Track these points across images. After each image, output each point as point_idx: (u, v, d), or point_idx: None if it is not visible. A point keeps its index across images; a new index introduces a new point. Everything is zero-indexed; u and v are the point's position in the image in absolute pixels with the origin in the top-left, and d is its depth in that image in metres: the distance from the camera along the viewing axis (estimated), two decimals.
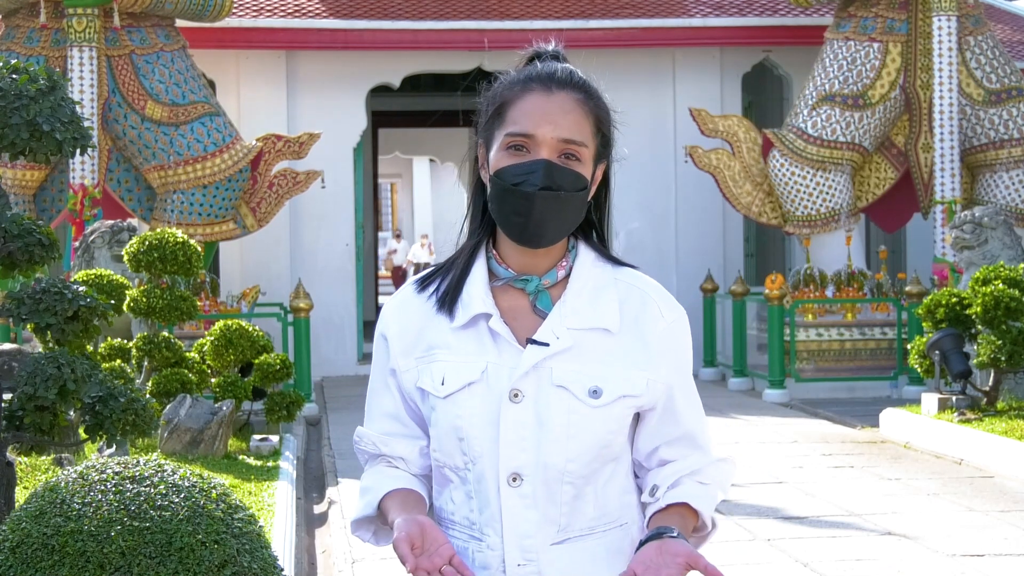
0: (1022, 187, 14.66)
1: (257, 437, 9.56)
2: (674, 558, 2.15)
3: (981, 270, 11.00)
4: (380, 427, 2.41)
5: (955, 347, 10.97)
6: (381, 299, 22.72)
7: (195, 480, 2.95)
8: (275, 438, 9.61)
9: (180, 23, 14.42)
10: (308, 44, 16.12)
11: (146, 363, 9.86)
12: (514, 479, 2.27)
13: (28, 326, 5.90)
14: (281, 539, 6.64)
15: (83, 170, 13.40)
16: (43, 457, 8.09)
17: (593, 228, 2.41)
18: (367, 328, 16.49)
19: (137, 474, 2.91)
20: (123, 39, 13.91)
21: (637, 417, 2.36)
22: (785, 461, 10.17)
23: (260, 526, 3.05)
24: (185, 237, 9.97)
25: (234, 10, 15.17)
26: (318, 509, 8.88)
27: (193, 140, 13.85)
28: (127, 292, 9.78)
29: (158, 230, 10.08)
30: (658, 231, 16.83)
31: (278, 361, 10.34)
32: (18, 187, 13.69)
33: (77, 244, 11.77)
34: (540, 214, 2.25)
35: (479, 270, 2.35)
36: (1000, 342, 10.49)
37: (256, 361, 10.41)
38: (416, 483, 2.38)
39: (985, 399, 11.00)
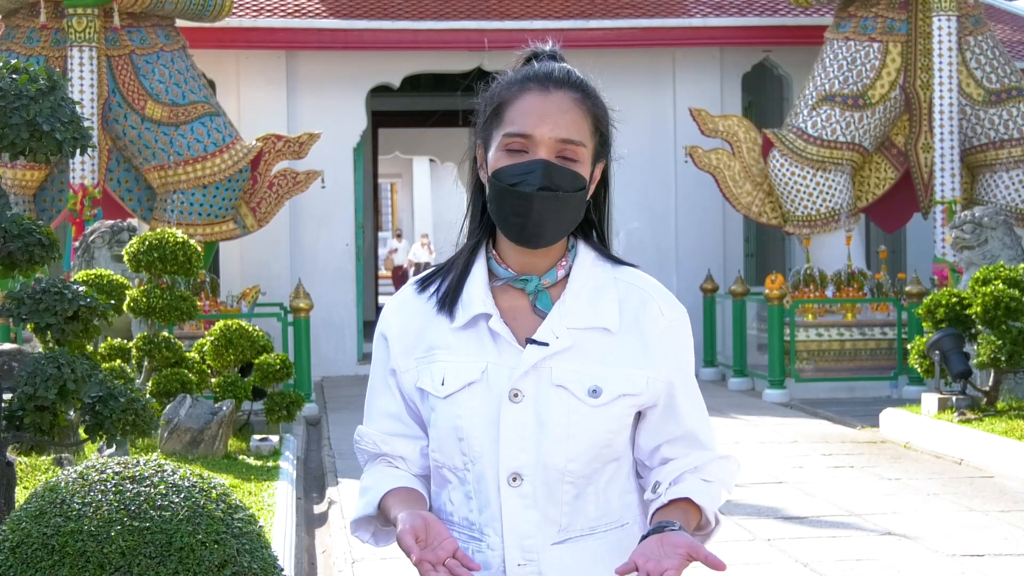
0: (1022, 187, 14.65)
1: (257, 437, 9.55)
2: (675, 549, 2.13)
3: (981, 270, 11.00)
4: (381, 426, 2.40)
5: (955, 347, 10.97)
6: (381, 299, 22.71)
7: (195, 480, 2.94)
8: (275, 438, 9.61)
9: (180, 23, 14.42)
10: (308, 44, 16.12)
11: (146, 363, 9.86)
12: (514, 479, 2.27)
13: (28, 326, 5.89)
14: (281, 539, 6.64)
15: (83, 170, 13.40)
16: (43, 457, 8.09)
17: (593, 227, 2.40)
18: (367, 328, 16.48)
19: (137, 474, 2.91)
20: (123, 39, 13.90)
21: (639, 416, 2.36)
22: (785, 461, 10.17)
23: (260, 526, 3.05)
24: (185, 237, 9.97)
25: (234, 10, 15.17)
26: (318, 509, 8.88)
27: (193, 140, 13.85)
28: (127, 292, 9.77)
29: (158, 230, 10.07)
30: (658, 231, 16.83)
31: (278, 361, 10.34)
32: (18, 187, 13.69)
33: (77, 244, 11.76)
34: (539, 214, 2.25)
35: (479, 270, 2.35)
36: (1000, 342, 10.49)
37: (256, 361, 10.41)
38: (416, 483, 2.38)
39: (985, 399, 10.99)
